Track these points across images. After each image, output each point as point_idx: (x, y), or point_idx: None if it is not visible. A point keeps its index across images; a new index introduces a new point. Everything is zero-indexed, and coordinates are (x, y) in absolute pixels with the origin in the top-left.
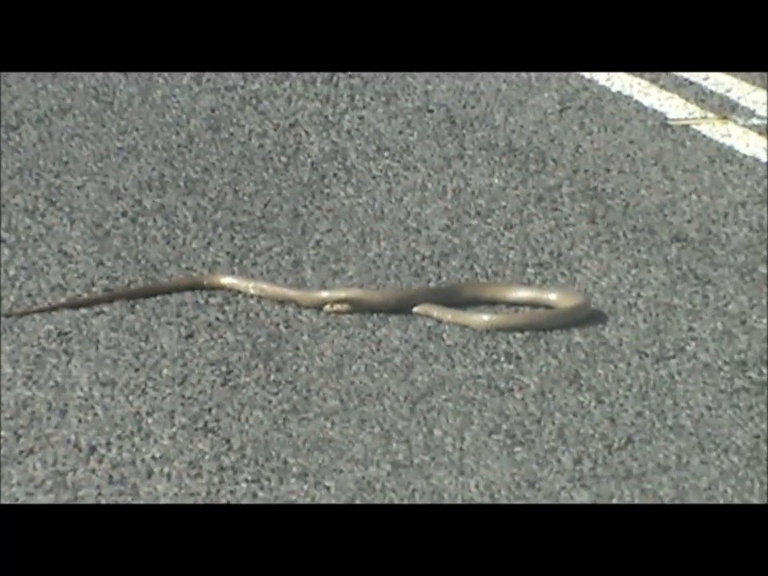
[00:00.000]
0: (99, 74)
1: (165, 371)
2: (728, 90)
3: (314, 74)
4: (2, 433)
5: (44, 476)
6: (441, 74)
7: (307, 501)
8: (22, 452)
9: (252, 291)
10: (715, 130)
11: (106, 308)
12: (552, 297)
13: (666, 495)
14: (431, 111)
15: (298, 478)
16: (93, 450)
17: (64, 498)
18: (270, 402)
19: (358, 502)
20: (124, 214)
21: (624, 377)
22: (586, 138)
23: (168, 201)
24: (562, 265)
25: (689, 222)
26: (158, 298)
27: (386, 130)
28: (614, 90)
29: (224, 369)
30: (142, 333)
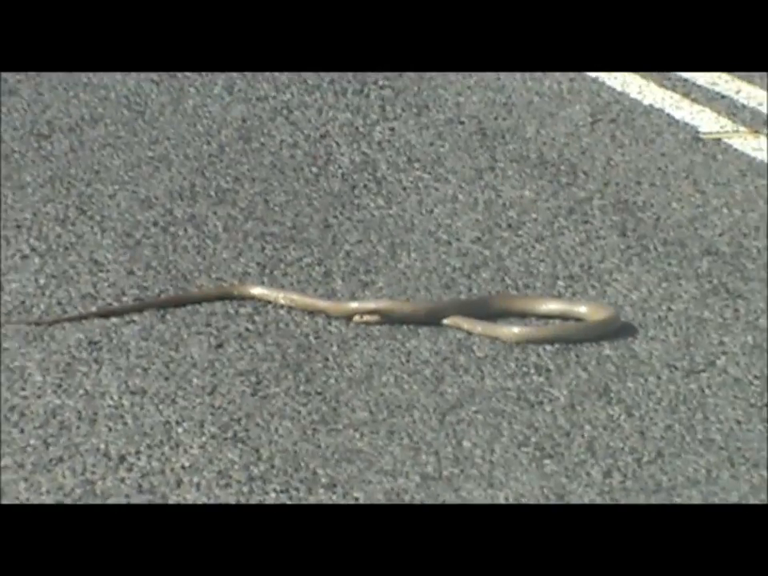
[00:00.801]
0: (131, 83)
1: (195, 381)
2: (760, 104)
3: (344, 84)
4: (32, 441)
5: (73, 485)
6: (472, 85)
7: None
8: (51, 460)
9: (282, 301)
10: (747, 143)
11: (136, 317)
12: (582, 309)
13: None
14: (462, 123)
15: (326, 488)
16: (122, 458)
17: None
18: (300, 412)
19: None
20: (155, 224)
21: (654, 390)
22: (618, 150)
23: (199, 210)
24: (593, 277)
25: (720, 235)
26: (189, 307)
27: (417, 141)
28: (645, 102)
29: (253, 379)
30: (172, 342)
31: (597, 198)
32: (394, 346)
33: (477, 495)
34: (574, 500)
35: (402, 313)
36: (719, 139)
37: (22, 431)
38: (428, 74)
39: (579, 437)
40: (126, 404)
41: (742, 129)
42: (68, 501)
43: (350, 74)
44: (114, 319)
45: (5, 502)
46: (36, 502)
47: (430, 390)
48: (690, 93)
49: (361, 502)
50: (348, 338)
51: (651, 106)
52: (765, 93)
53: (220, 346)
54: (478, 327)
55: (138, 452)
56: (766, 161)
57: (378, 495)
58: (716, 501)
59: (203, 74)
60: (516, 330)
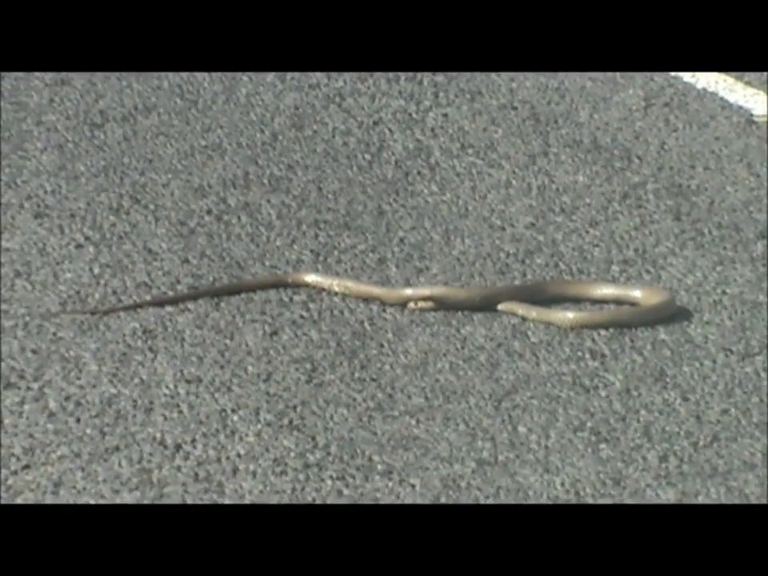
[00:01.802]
0: (183, 73)
1: (250, 368)
2: None
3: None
4: (88, 431)
5: (129, 473)
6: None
7: (392, 498)
8: (107, 449)
9: (336, 289)
10: None
11: (190, 305)
12: (637, 294)
13: (752, 493)
14: (515, 108)
15: (382, 475)
16: (178, 447)
17: (150, 496)
18: (355, 399)
19: (443, 499)
20: (209, 212)
21: (709, 374)
22: (671, 134)
23: (252, 199)
24: (647, 262)
25: None
26: (243, 295)
27: (470, 127)
28: (698, 86)
29: (308, 366)
30: (227, 330)
31: (651, 183)
32: (448, 332)
33: (533, 480)
34: (630, 485)
35: (456, 299)
36: None
37: (78, 421)
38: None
39: (635, 422)
40: (181, 392)
41: None
42: (125, 490)
43: None
44: (168, 308)
45: (62, 491)
46: (93, 491)
47: (485, 376)
48: (743, 76)
49: (417, 488)
50: (403, 325)
51: (704, 89)
52: None
53: (275, 333)
54: (533, 312)
55: (193, 440)
56: None
57: (434, 481)
58: None
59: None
60: (571, 315)
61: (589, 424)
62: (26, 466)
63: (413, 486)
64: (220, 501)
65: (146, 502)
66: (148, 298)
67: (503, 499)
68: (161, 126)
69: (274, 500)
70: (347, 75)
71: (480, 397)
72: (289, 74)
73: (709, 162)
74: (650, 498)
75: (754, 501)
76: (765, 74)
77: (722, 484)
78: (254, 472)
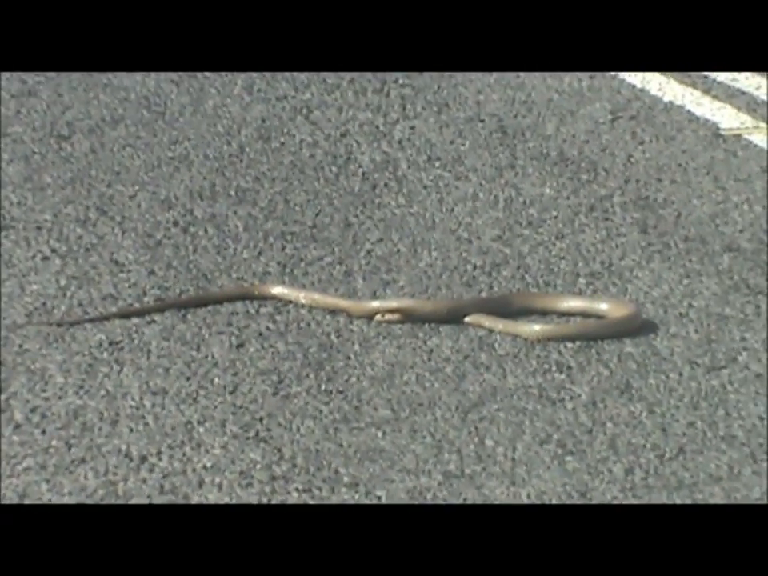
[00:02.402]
0: (151, 84)
1: (216, 380)
2: None
3: (364, 83)
4: (54, 442)
5: (95, 485)
6: (492, 83)
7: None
8: (73, 461)
9: (303, 301)
10: (767, 139)
11: (157, 317)
12: (603, 307)
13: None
14: (483, 121)
15: (348, 487)
16: (144, 459)
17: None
18: (321, 411)
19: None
20: (175, 224)
21: (676, 387)
22: (638, 147)
23: (219, 210)
24: (614, 275)
25: (741, 231)
26: (209, 307)
27: (437, 139)
28: (665, 99)
29: (275, 378)
30: (193, 342)
31: (617, 195)
32: (415, 344)
33: (499, 493)
34: (596, 497)
35: (423, 311)
36: (740, 135)
37: (43, 432)
38: (448, 73)
39: (601, 434)
40: (147, 404)
41: (762, 125)
42: (90, 502)
43: (369, 73)
44: (135, 320)
45: (27, 502)
46: (58, 503)
47: (451, 388)
48: (711, 89)
49: (383, 500)
50: (369, 337)
51: (671, 102)
52: None
53: (241, 345)
54: (500, 325)
55: (159, 452)
56: None
57: (400, 494)
58: (738, 497)
59: (223, 74)
60: (537, 327)
61: (555, 436)
62: None
63: (379, 497)
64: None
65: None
66: (114, 309)
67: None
68: (128, 138)
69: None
70: (314, 87)
71: (446, 409)
72: (256, 86)
73: (675, 175)
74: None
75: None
76: (731, 87)
77: (687, 497)
78: (219, 484)
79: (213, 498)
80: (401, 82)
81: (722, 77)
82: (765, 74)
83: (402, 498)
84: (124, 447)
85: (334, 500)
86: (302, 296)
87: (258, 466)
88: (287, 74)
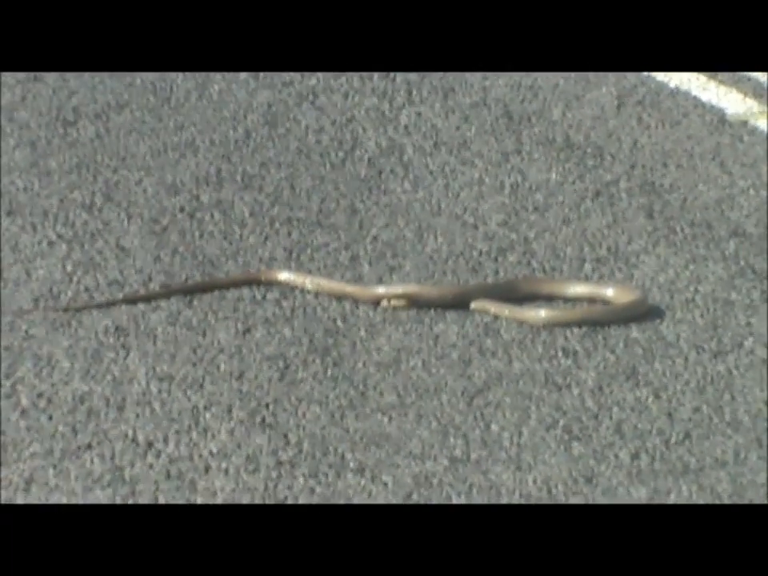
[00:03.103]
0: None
1: (222, 366)
2: None
3: None
4: (60, 428)
5: (102, 471)
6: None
7: (364, 496)
8: (79, 447)
9: (309, 287)
10: None
11: (163, 303)
12: (609, 292)
13: (724, 491)
14: (488, 106)
15: (355, 473)
16: (150, 445)
17: (122, 493)
18: (327, 397)
19: (415, 496)
20: (181, 210)
21: (681, 372)
22: (644, 133)
23: (225, 196)
24: (620, 260)
25: (747, 216)
26: (216, 293)
27: (443, 125)
28: (672, 85)
29: (281, 364)
30: (200, 328)
31: (623, 181)
32: (421, 330)
33: (505, 478)
34: (602, 482)
35: (429, 297)
36: (745, 121)
37: (50, 418)
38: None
39: (607, 419)
40: (153, 390)
41: None
42: (97, 487)
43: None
44: (141, 305)
45: (33, 488)
46: (65, 488)
47: (457, 374)
48: (717, 75)
49: (389, 486)
50: (375, 323)
51: (677, 88)
52: None
53: (247, 331)
54: (505, 311)
55: (165, 438)
56: None
57: (406, 479)
58: (744, 482)
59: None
60: (543, 313)
61: (561, 422)
62: None
63: (385, 483)
64: (192, 498)
65: (118, 499)
66: (120, 295)
67: (475, 497)
68: (133, 124)
69: (246, 498)
70: (320, 73)
71: (452, 394)
72: (262, 72)
73: (681, 161)
74: (622, 495)
75: (725, 498)
76: (737, 72)
77: (693, 482)
78: (226, 470)
79: (219, 483)
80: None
81: None
82: None
83: (407, 483)
84: (130, 433)
85: (340, 485)
86: (308, 282)
87: (264, 452)
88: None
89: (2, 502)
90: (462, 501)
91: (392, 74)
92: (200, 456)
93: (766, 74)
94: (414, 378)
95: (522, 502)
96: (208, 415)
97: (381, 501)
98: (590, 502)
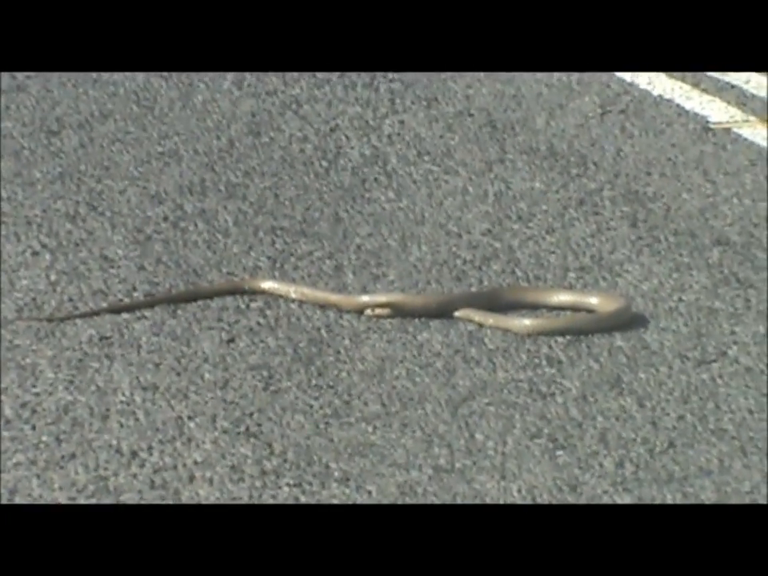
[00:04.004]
0: (140, 79)
1: (206, 376)
2: None
3: (354, 78)
4: (44, 438)
5: (86, 480)
6: (482, 77)
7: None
8: (63, 457)
9: (293, 295)
10: (757, 133)
11: (147, 313)
12: (593, 301)
13: (708, 499)
14: (472, 115)
15: (339, 482)
16: (134, 454)
17: (106, 503)
18: (312, 406)
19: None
20: (165, 219)
21: (666, 381)
22: (627, 141)
23: (209, 205)
24: (604, 269)
25: (730, 225)
26: (200, 302)
27: (426, 134)
28: (655, 93)
29: (265, 373)
30: (184, 337)
31: (607, 189)
32: (405, 338)
33: (490, 487)
34: (586, 491)
35: (413, 306)
36: (729, 129)
37: (34, 428)
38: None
39: (591, 428)
40: (137, 400)
41: (751, 118)
42: (81, 497)
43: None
44: (125, 315)
45: (18, 498)
46: (49, 498)
47: (441, 383)
48: (700, 83)
49: (374, 495)
50: (359, 332)
51: (661, 96)
52: None
53: (231, 340)
54: (490, 319)
55: (150, 448)
56: None
57: (391, 488)
58: (728, 491)
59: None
60: (527, 321)
61: (545, 430)
62: None
63: (369, 492)
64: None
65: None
66: (104, 305)
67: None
68: (117, 133)
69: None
70: (304, 82)
71: (437, 403)
72: (246, 81)
73: (665, 169)
74: (607, 504)
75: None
76: (721, 81)
77: (678, 490)
78: (210, 479)
79: (203, 493)
80: (390, 76)
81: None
82: None
83: (392, 492)
84: (114, 442)
85: (325, 495)
86: (292, 290)
87: (249, 461)
88: None
89: None
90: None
91: (375, 83)
92: (184, 465)
93: (748, 82)
94: (399, 387)
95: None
96: (192, 425)
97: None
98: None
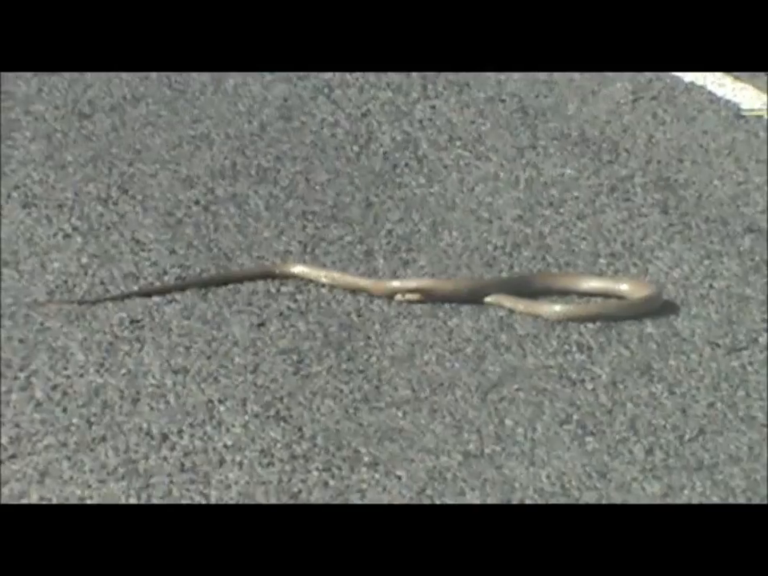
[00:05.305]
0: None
1: (237, 359)
2: None
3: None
4: (75, 420)
5: (116, 463)
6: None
7: (378, 490)
8: (94, 439)
9: (324, 280)
10: None
11: (178, 296)
12: (624, 287)
13: (738, 486)
14: (504, 101)
15: (369, 467)
16: (165, 437)
17: (136, 486)
18: (342, 391)
19: (428, 491)
20: (196, 203)
21: (696, 368)
22: (659, 128)
23: (240, 189)
24: (634, 255)
25: (762, 212)
26: (230, 286)
27: (458, 119)
28: (687, 80)
29: (295, 357)
30: (214, 321)
31: (638, 176)
32: (435, 324)
33: (519, 473)
34: (616, 478)
35: (443, 291)
36: (761, 116)
37: (64, 410)
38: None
39: (621, 415)
40: (168, 383)
41: None
42: (111, 480)
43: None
44: (155, 298)
45: (48, 481)
46: (79, 480)
47: (471, 369)
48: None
49: (403, 480)
50: (390, 317)
51: (693, 83)
52: None
53: (262, 324)
54: (520, 305)
55: (180, 431)
56: None
57: (420, 473)
58: (758, 478)
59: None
60: (558, 307)
61: (575, 417)
62: (13, 456)
63: (399, 477)
64: (206, 491)
65: (132, 492)
66: (135, 288)
67: (489, 492)
68: (149, 117)
69: (260, 491)
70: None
71: (466, 389)
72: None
73: (696, 156)
74: (636, 491)
75: (739, 494)
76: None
77: (707, 478)
78: (240, 463)
79: (233, 476)
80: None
81: None
82: None
83: (421, 477)
84: (145, 425)
85: (354, 479)
86: (322, 275)
87: (279, 445)
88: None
89: (16, 494)
90: (476, 495)
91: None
92: (214, 449)
93: None
94: (428, 373)
95: (536, 497)
96: (222, 408)
97: (395, 495)
98: (604, 497)
